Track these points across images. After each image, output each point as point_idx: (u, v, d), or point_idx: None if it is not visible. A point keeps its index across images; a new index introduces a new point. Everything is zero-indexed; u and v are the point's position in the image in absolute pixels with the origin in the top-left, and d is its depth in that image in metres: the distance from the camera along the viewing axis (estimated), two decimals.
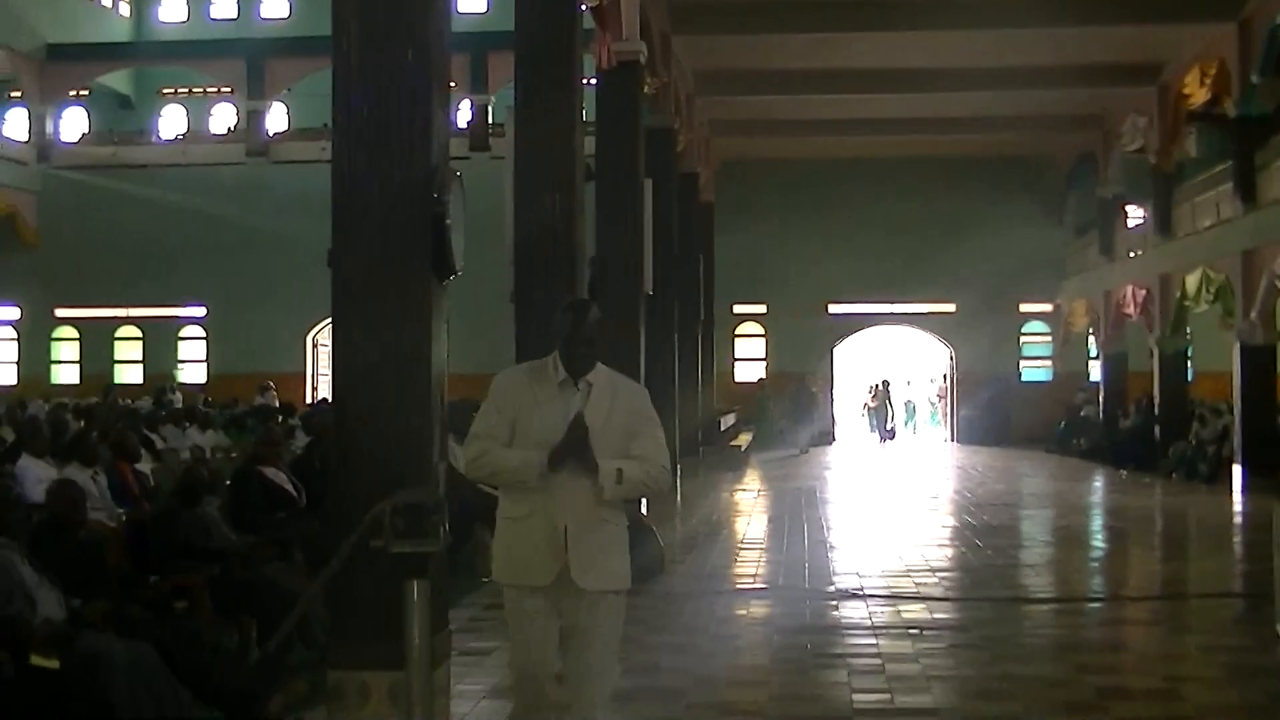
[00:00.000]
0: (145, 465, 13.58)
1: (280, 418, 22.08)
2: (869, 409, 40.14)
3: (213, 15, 42.08)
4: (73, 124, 39.15)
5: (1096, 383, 35.10)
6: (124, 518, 10.71)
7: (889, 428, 38.94)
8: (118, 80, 40.24)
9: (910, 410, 42.30)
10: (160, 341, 37.52)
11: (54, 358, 37.80)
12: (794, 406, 35.34)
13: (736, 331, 38.46)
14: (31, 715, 6.43)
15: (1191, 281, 26.06)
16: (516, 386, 5.86)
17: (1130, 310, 30.47)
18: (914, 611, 11.60)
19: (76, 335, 37.74)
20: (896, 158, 36.18)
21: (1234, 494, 22.69)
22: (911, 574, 13.74)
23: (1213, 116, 26.00)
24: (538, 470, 5.60)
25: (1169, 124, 27.58)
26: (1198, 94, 25.12)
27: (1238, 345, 24.09)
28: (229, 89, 38.59)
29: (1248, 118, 23.70)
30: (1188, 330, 28.36)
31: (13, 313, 37.46)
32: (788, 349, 37.82)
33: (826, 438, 37.11)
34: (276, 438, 12.48)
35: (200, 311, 37.14)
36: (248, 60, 37.02)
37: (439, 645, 7.64)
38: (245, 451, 15.46)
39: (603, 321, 5.90)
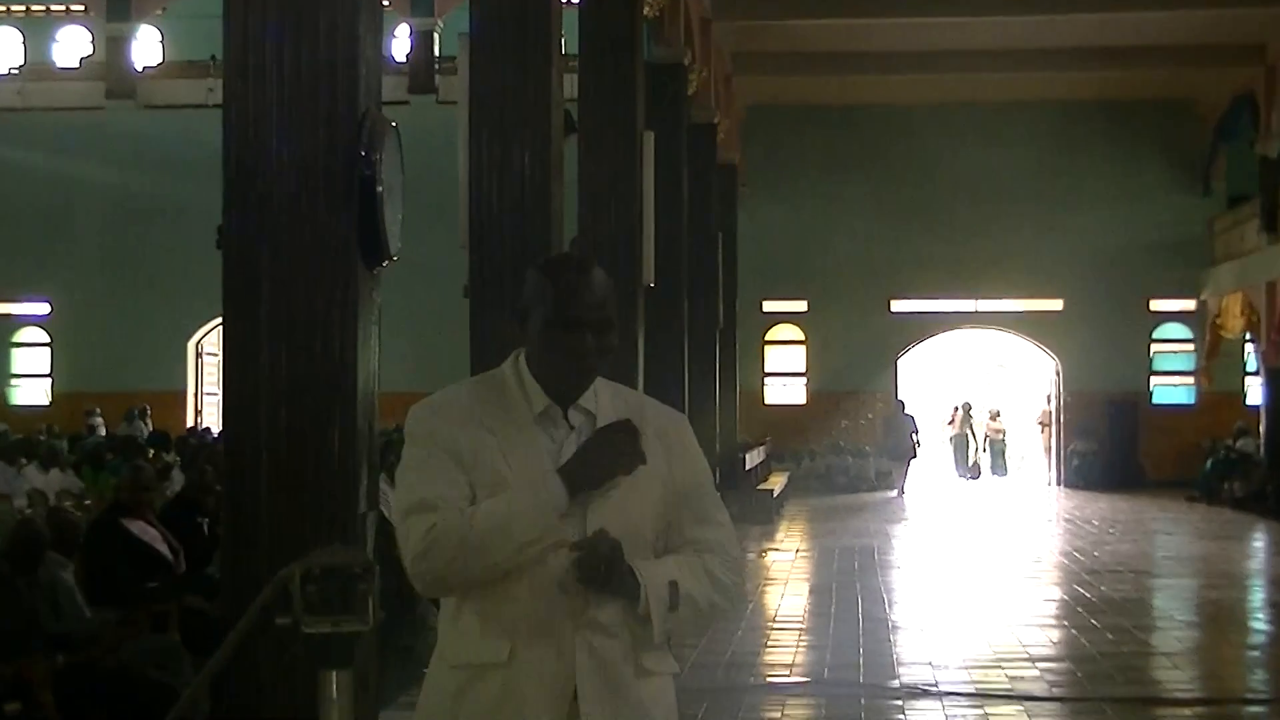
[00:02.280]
0: None
1: (151, 452, 22.10)
2: (950, 440, 40.28)
3: None
4: None
5: (1256, 407, 35.16)
6: None
7: (972, 463, 39.07)
8: None
9: (998, 445, 41.93)
10: None
11: None
12: (886, 435, 35.41)
13: (768, 337, 38.61)
14: None
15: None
16: (458, 423, 4.35)
17: None
18: (1007, 715, 11.65)
19: None
20: (982, 102, 36.35)
21: None
22: (1004, 665, 13.78)
23: None
24: (553, 521, 4.17)
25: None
26: None
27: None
28: (80, 7, 38.54)
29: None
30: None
31: None
32: (837, 360, 37.87)
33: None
34: (147, 481, 12.47)
35: (42, 309, 37.23)
36: None
37: None
38: (104, 499, 15.49)
39: (615, 299, 4.43)
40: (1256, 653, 15.82)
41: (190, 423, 33.14)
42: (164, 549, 11.97)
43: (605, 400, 4.36)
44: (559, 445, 4.26)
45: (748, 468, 30.77)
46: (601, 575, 4.08)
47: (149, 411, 30.60)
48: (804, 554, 23.52)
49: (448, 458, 4.23)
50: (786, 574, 21.03)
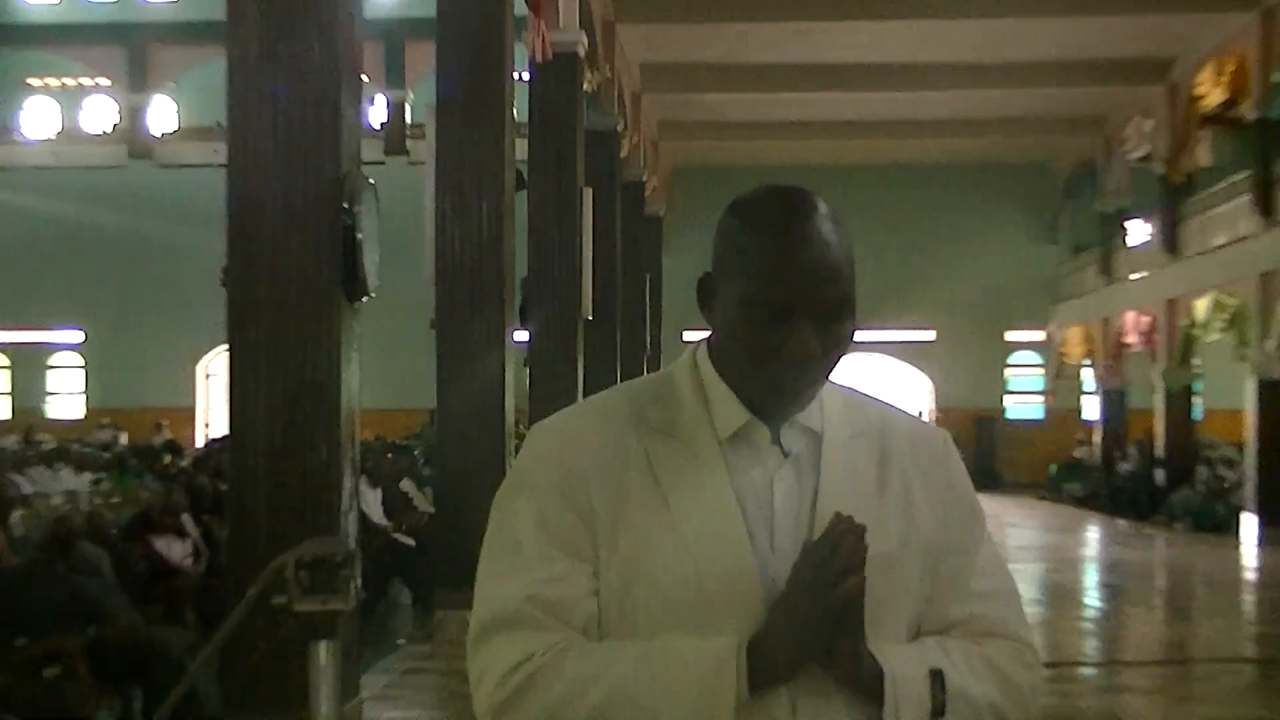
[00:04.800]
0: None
1: (169, 457, 22.01)
2: None
3: None
4: None
5: (1092, 421, 35.41)
6: None
7: None
8: None
9: None
10: (28, 370, 37.36)
11: None
12: None
13: None
14: None
15: (1202, 307, 26.34)
16: (594, 461, 2.36)
17: (1132, 339, 30.79)
18: None
19: None
20: (869, 165, 36.41)
21: (1245, 546, 22.93)
22: None
23: (1229, 120, 26.30)
24: (729, 700, 2.19)
25: (1179, 128, 27.88)
26: (1212, 94, 25.45)
27: (1253, 379, 24.25)
28: (107, 81, 38.27)
29: (1268, 121, 23.94)
30: (1197, 362, 28.63)
31: None
32: None
33: None
34: (176, 505, 12.35)
35: (76, 337, 36.99)
36: (128, 47, 36.79)
37: (349, 716, 7.66)
38: (130, 499, 15.39)
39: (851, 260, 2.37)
40: (1090, 624, 16.12)
41: (199, 433, 32.92)
42: (184, 559, 11.86)
43: (835, 414, 2.35)
44: (766, 482, 2.25)
45: None
46: (827, 615, 2.12)
47: (166, 426, 30.49)
48: None
49: (569, 527, 2.24)
50: None
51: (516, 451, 15.59)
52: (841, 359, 2.25)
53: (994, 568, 2.40)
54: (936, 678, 2.18)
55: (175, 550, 11.68)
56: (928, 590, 2.31)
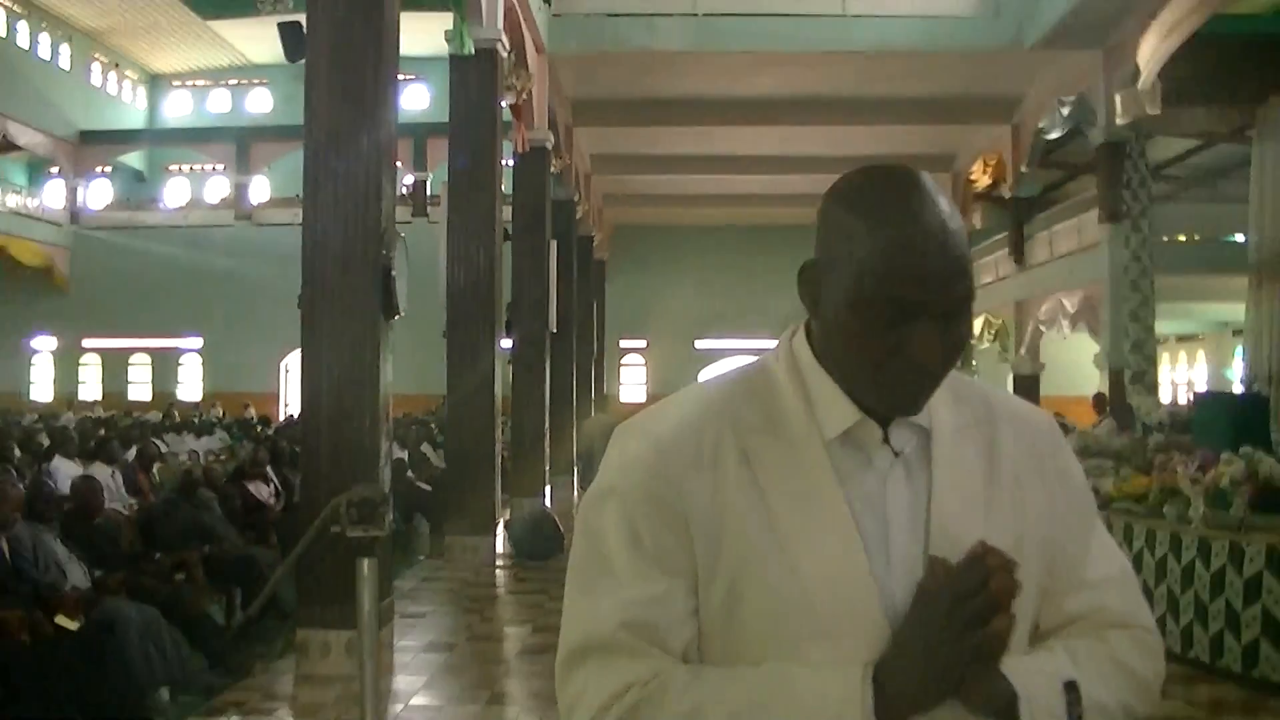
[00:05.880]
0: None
1: (259, 428, 21.98)
2: None
3: (209, 108, 42.18)
4: (98, 193, 38.88)
5: None
6: (136, 507, 10.60)
7: None
8: (134, 159, 40.02)
9: None
10: (165, 366, 37.30)
11: (80, 379, 37.55)
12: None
13: (623, 362, 38.57)
14: (59, 667, 6.37)
15: (976, 325, 26.69)
16: (693, 468, 1.48)
17: None
18: None
19: (98, 361, 37.54)
20: (750, 225, 36.47)
21: None
22: None
23: (993, 197, 26.61)
24: None
25: (960, 202, 28.13)
26: (982, 179, 25.70)
27: (1011, 375, 24.77)
28: (222, 166, 38.40)
29: (1019, 198, 24.36)
30: (974, 363, 28.94)
31: (49, 342, 37.45)
32: (664, 375, 38.01)
33: None
34: (262, 458, 12.28)
35: (197, 342, 36.81)
36: (237, 143, 37.27)
37: (385, 610, 7.65)
38: (232, 455, 15.32)
39: (969, 252, 1.47)
40: None
41: (280, 414, 32.85)
42: (269, 498, 11.77)
43: (940, 405, 1.56)
44: (878, 486, 1.51)
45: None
46: (962, 647, 1.37)
47: (250, 406, 30.54)
48: None
49: (664, 539, 1.48)
50: None
51: (504, 427, 15.34)
52: (959, 359, 1.48)
53: (1107, 552, 1.63)
54: (1071, 690, 1.44)
55: (262, 491, 11.59)
56: (1045, 585, 1.55)
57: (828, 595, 1.41)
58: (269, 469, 12.17)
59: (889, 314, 1.39)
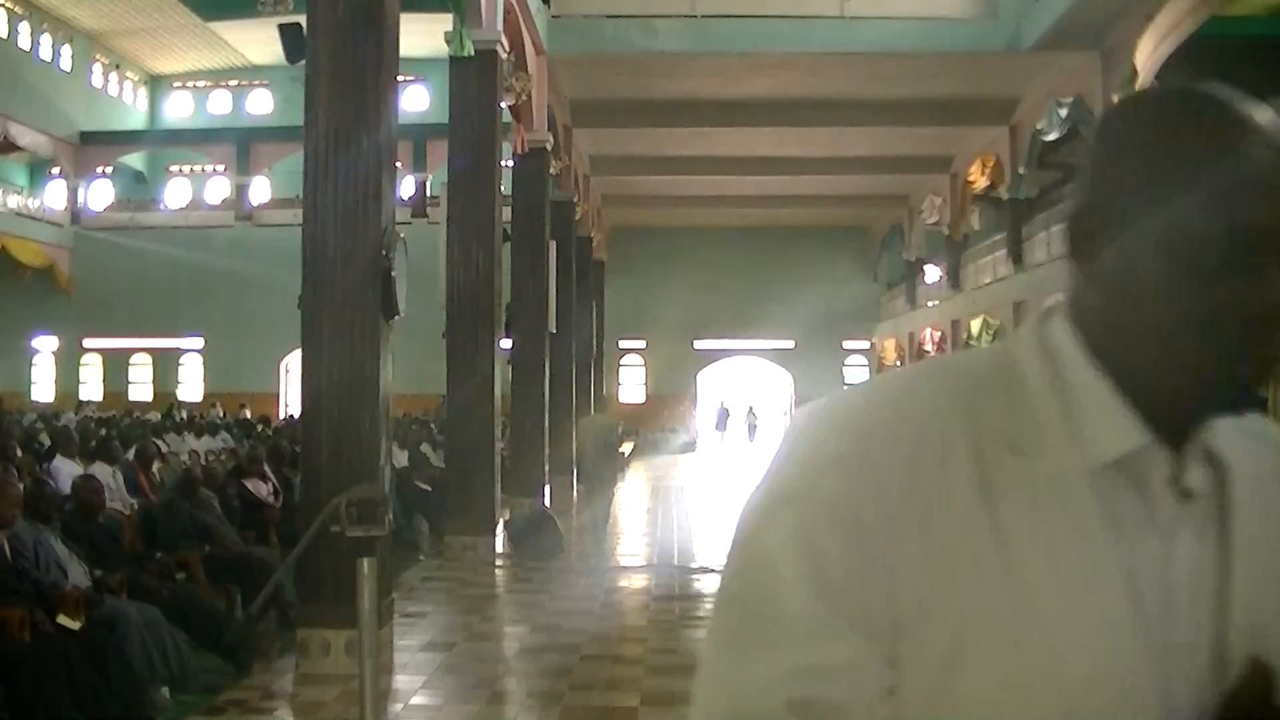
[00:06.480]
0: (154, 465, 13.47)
1: (259, 427, 21.96)
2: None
3: (210, 109, 42.20)
4: (99, 194, 38.91)
5: None
6: (136, 506, 10.60)
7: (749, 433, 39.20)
8: (135, 160, 40.09)
9: (753, 424, 41.80)
10: (166, 366, 37.34)
11: (81, 379, 37.57)
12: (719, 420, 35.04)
13: (621, 362, 38.58)
14: (60, 667, 6.36)
15: (975, 325, 26.70)
16: (902, 481, 0.97)
17: (929, 347, 31.04)
18: None
19: (100, 361, 37.60)
20: (748, 226, 36.59)
21: None
22: None
23: (990, 198, 26.66)
24: None
25: (958, 203, 28.21)
26: (979, 180, 25.72)
27: None
28: (223, 167, 38.44)
29: (1017, 200, 24.36)
30: None
31: (51, 342, 37.52)
32: (662, 375, 38.05)
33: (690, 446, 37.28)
34: (260, 456, 12.28)
35: (198, 343, 36.82)
36: (238, 144, 37.37)
37: (385, 609, 7.64)
38: (234, 455, 15.30)
39: None
40: None
41: (280, 412, 32.87)
42: (268, 496, 11.77)
43: (1236, 446, 1.06)
44: (1161, 539, 1.00)
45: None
46: None
47: (246, 406, 30.64)
48: (642, 489, 23.52)
49: (860, 581, 0.97)
50: (631, 501, 21.03)
51: (504, 427, 15.11)
52: None
53: None
54: None
55: (260, 489, 11.57)
56: None
57: (1086, 685, 0.96)
58: (266, 467, 12.16)
59: (1247, 252, 0.96)
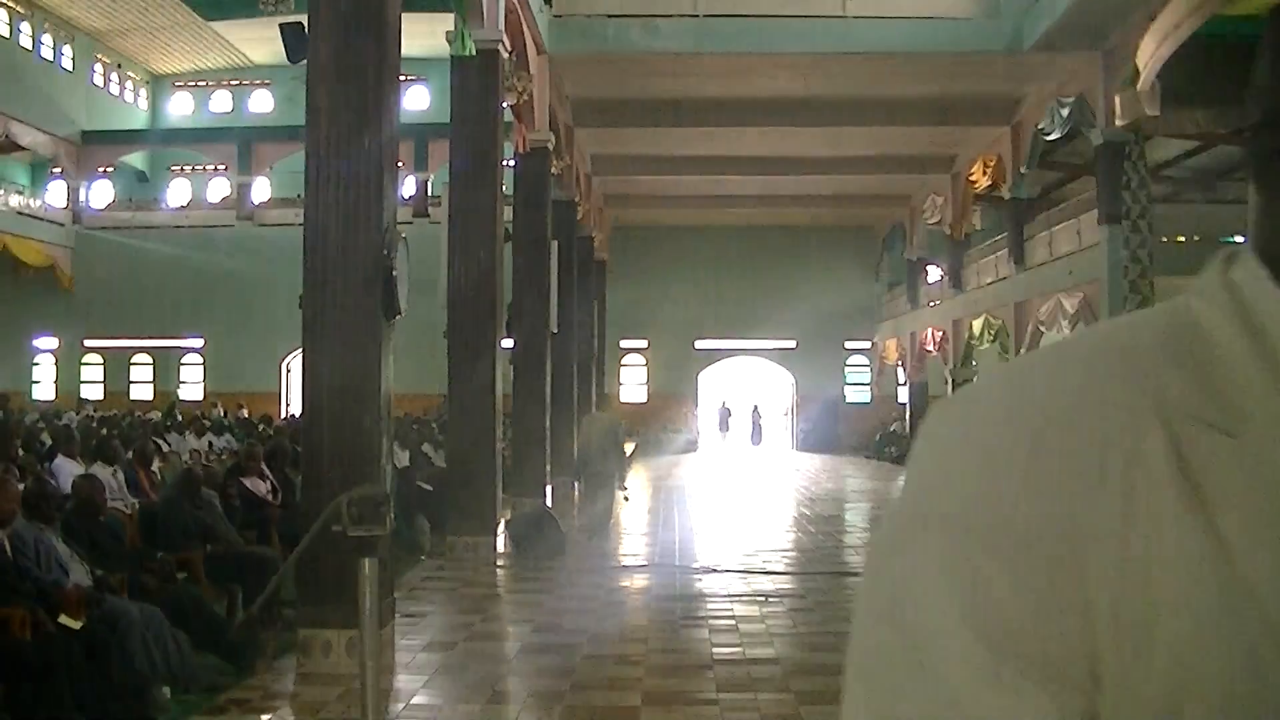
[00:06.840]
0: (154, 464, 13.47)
1: (260, 426, 21.96)
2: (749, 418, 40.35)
3: (211, 109, 42.20)
4: (101, 194, 39.02)
5: (904, 404, 35.63)
6: (138, 506, 10.60)
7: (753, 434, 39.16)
8: (136, 159, 40.13)
9: (759, 423, 41.92)
10: (167, 365, 37.30)
11: (83, 378, 37.51)
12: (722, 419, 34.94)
13: (623, 362, 38.55)
14: (62, 666, 6.36)
15: (977, 325, 26.67)
16: (1084, 483, 0.67)
17: (930, 347, 31.03)
18: (760, 583, 11.65)
19: (101, 360, 37.55)
20: (749, 226, 36.51)
21: None
22: (758, 552, 13.80)
23: (992, 198, 26.61)
24: None
25: (960, 203, 28.18)
26: (981, 180, 25.68)
27: None
28: (224, 166, 38.45)
29: (1019, 199, 24.33)
30: (974, 363, 28.90)
31: (51, 342, 37.48)
32: (663, 375, 38.03)
33: (692, 446, 37.26)
34: (257, 454, 12.28)
35: (199, 342, 36.79)
36: (239, 144, 37.28)
37: (386, 609, 7.64)
38: (233, 453, 15.31)
39: None
40: None
41: (282, 412, 32.87)
42: (266, 493, 11.76)
43: None
44: None
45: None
46: None
47: (244, 405, 30.67)
48: (645, 489, 23.50)
49: (1038, 619, 0.66)
50: (634, 501, 20.99)
51: (505, 427, 15.12)
52: None
53: None
54: None
55: (259, 487, 11.57)
56: None
57: None
58: (264, 465, 12.17)
59: None
